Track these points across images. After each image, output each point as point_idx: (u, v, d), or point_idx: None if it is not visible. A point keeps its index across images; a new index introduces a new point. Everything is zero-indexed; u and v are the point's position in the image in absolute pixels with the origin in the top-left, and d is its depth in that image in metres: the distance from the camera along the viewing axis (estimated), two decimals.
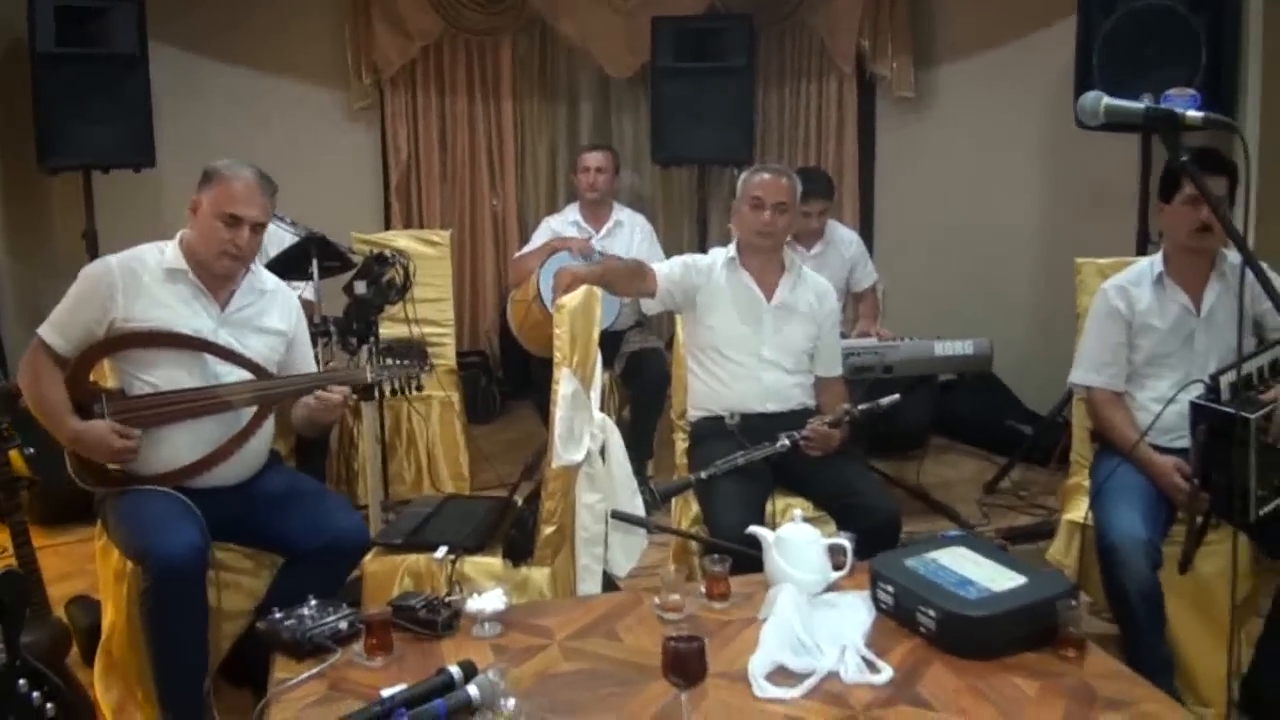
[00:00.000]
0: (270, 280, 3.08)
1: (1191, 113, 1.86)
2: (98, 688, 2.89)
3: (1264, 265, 3.12)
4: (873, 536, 2.77)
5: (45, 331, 2.80)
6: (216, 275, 2.89)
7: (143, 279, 2.81)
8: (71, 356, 2.79)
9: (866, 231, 6.22)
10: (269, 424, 3.00)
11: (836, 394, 3.53)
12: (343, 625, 2.27)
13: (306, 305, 3.69)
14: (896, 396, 3.39)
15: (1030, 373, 5.32)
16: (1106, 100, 1.95)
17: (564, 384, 2.72)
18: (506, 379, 6.27)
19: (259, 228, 2.85)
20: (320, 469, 4.26)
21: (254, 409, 2.89)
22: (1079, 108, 2.00)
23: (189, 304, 2.86)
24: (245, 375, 2.88)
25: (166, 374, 2.81)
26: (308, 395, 2.95)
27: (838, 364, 3.61)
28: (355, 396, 3.74)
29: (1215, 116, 1.88)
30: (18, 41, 4.95)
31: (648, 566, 2.46)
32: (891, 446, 5.16)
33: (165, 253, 2.87)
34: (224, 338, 2.88)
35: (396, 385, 3.19)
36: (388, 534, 3.03)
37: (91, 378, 2.81)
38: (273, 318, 3.00)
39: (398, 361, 3.19)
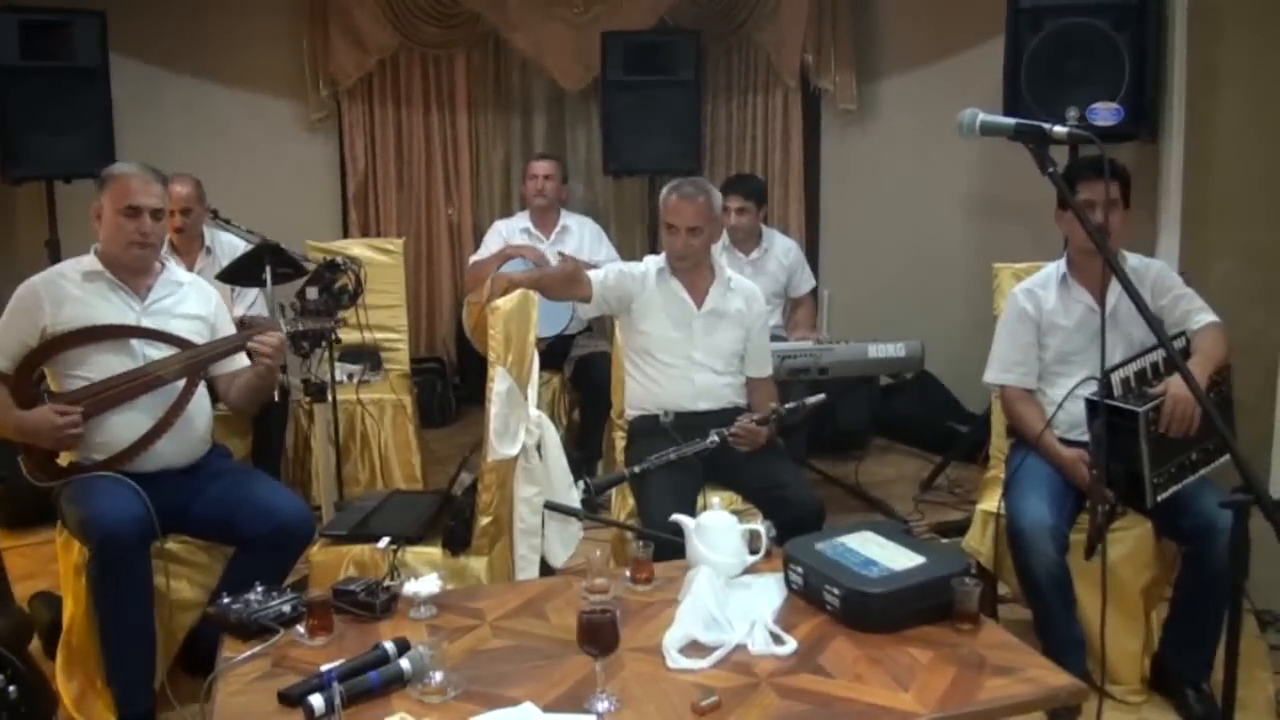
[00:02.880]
0: (186, 275, 3.27)
1: (1057, 128, 2.02)
2: (59, 679, 2.96)
3: (1163, 264, 3.36)
4: (797, 527, 2.83)
5: None
6: (132, 270, 3.06)
7: (65, 287, 3.00)
8: (11, 372, 2.95)
9: (812, 239, 6.36)
10: (204, 399, 3.15)
11: (766, 393, 3.63)
12: (286, 608, 2.35)
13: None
14: (822, 396, 3.48)
15: (968, 375, 5.32)
16: (982, 117, 2.11)
17: (498, 381, 2.82)
18: (463, 384, 6.33)
19: (159, 214, 3.02)
20: (275, 471, 4.29)
21: (184, 380, 3.04)
22: (958, 124, 2.12)
23: (110, 300, 3.03)
24: (173, 353, 3.05)
25: (99, 363, 2.98)
26: (244, 374, 3.12)
27: (768, 365, 3.70)
28: (309, 398, 3.87)
29: (1079, 132, 2.05)
30: None
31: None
32: (833, 447, 5.30)
33: (83, 262, 3.06)
34: (148, 325, 3.05)
35: (309, 344, 3.24)
36: (333, 526, 3.12)
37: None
38: (191, 305, 3.17)
39: (313, 306, 3.31)
